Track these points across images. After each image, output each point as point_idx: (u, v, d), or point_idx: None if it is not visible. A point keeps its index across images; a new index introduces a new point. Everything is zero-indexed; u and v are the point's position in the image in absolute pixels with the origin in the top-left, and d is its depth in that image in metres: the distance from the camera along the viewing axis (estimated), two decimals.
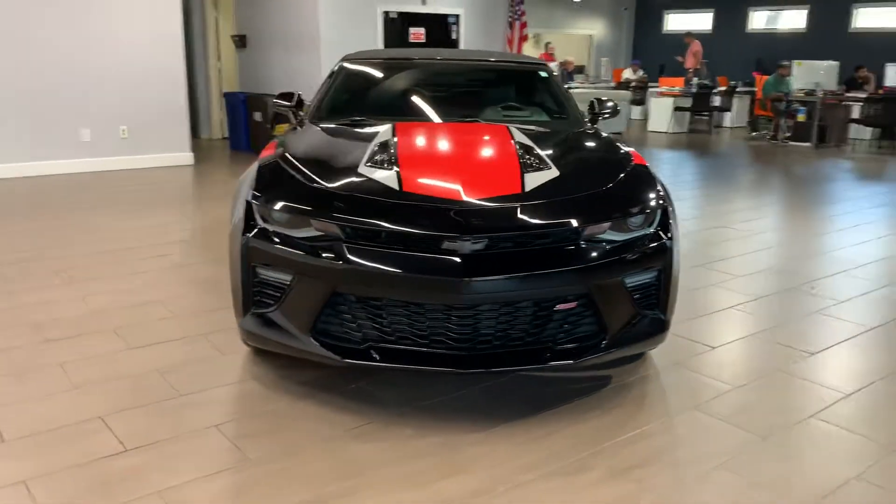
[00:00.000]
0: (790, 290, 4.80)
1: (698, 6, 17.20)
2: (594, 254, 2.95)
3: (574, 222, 2.93)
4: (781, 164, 10.52)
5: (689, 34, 15.89)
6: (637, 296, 3.11)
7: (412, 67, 4.72)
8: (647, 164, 3.49)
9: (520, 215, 2.90)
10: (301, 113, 4.50)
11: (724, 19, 16.85)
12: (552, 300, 2.93)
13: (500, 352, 2.95)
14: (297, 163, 3.28)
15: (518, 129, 3.86)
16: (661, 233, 3.16)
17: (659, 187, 3.29)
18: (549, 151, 3.50)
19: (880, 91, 13.28)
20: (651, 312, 3.18)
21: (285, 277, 3.01)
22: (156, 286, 4.61)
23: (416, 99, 4.49)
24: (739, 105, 14.93)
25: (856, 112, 12.47)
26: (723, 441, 2.91)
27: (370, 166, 3.21)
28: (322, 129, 3.96)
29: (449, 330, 2.91)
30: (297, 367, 3.44)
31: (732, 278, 5.02)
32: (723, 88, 14.46)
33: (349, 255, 2.85)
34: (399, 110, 4.35)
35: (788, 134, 12.56)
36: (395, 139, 3.52)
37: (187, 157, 9.29)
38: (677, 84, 14.63)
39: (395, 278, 2.82)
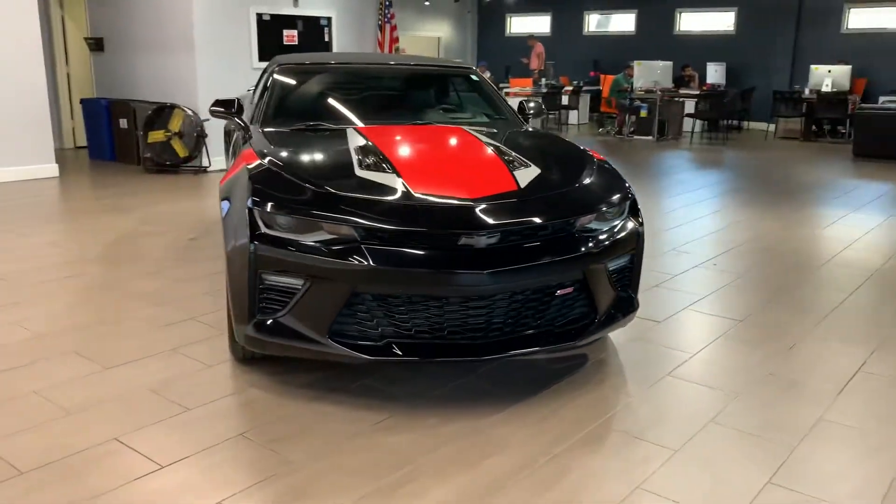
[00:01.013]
0: (697, 266, 5.38)
1: (537, 10, 18.17)
2: (588, 241, 3.24)
3: (573, 213, 3.21)
4: (632, 157, 11.46)
5: (532, 37, 16.78)
6: (616, 278, 3.44)
7: (350, 72, 4.81)
8: (605, 159, 3.84)
9: (526, 209, 3.13)
10: (242, 119, 4.44)
11: (562, 22, 17.93)
12: (555, 286, 3.19)
13: (510, 338, 3.17)
14: (291, 168, 3.31)
15: (474, 130, 4.09)
16: (634, 220, 3.51)
17: (624, 179, 3.64)
18: (520, 150, 3.76)
19: (704, 88, 14.80)
20: (625, 293, 3.53)
21: (296, 282, 3.05)
22: (90, 306, 4.38)
23: (360, 103, 4.58)
24: (582, 103, 16.00)
25: (689, 107, 13.81)
26: (703, 400, 3.30)
27: (366, 170, 3.32)
28: (285, 134, 3.97)
29: (465, 320, 3.08)
30: (291, 371, 3.47)
31: (646, 260, 5.52)
32: (569, 88, 15.43)
33: (372, 256, 2.95)
34: (348, 114, 4.42)
35: (633, 129, 13.66)
36: (373, 144, 3.64)
37: (52, 169, 8.65)
38: (527, 84, 15.43)
39: (418, 275, 2.95)
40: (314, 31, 10.13)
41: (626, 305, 3.53)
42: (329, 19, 10.29)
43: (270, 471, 2.69)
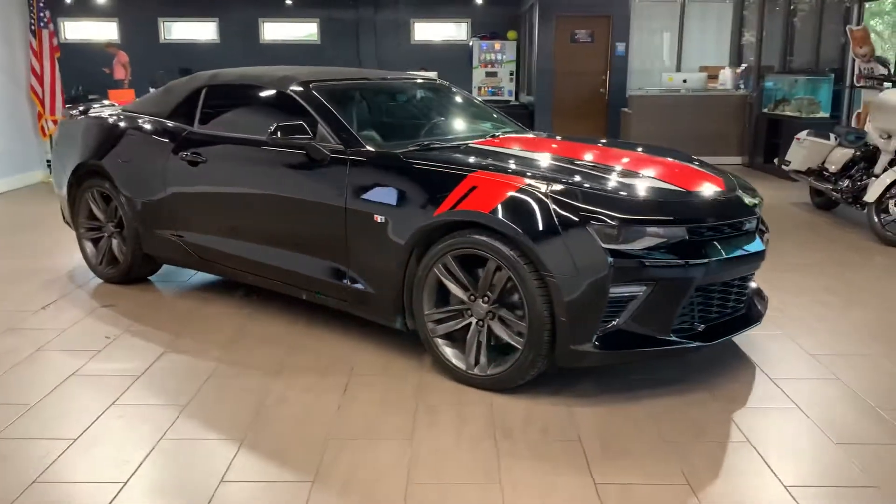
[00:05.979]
0: None
1: (97, 15, 16.42)
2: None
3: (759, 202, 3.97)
4: None
5: (111, 44, 15.22)
6: None
7: (375, 89, 4.64)
8: None
9: (747, 198, 3.78)
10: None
11: (133, 29, 16.57)
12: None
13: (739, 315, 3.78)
14: (572, 182, 3.39)
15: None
16: None
17: None
18: (653, 151, 4.29)
19: None
20: None
21: (636, 289, 3.23)
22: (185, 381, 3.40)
23: (411, 120, 4.53)
24: None
25: None
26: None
27: (617, 175, 3.58)
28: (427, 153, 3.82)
29: (739, 299, 3.64)
30: (538, 387, 3.51)
31: None
32: None
33: (709, 251, 3.32)
34: (403, 133, 4.36)
35: None
36: (561, 155, 3.87)
37: None
38: (131, 97, 14.08)
39: (736, 260, 3.44)
40: None
41: None
42: None
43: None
